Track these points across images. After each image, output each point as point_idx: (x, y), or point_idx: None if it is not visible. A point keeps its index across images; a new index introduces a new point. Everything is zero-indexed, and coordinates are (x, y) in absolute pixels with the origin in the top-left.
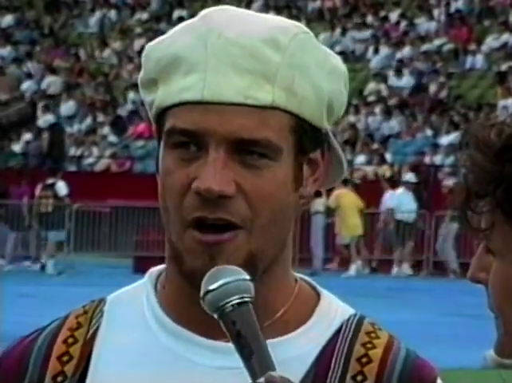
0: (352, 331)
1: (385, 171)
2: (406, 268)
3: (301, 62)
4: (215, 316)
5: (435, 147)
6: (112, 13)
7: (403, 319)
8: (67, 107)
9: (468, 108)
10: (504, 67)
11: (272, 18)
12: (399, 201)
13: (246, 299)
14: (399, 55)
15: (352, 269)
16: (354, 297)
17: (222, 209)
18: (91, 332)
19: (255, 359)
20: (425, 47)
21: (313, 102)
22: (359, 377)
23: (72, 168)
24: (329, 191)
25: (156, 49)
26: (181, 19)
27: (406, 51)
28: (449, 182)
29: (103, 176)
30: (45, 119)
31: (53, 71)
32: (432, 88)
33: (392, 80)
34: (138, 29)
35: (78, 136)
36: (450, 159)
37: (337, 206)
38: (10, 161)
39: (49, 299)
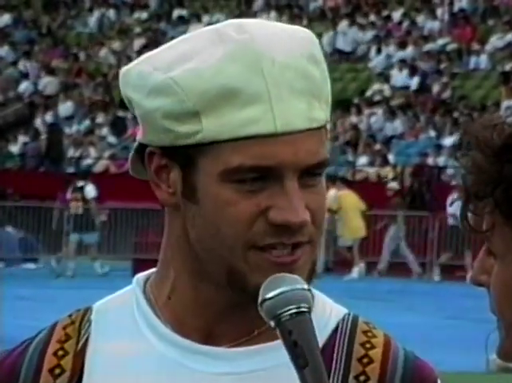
0: (348, 331)
1: (388, 172)
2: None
3: (327, 72)
4: (272, 323)
5: (439, 148)
6: (111, 13)
7: (405, 322)
8: (65, 107)
9: (472, 109)
10: (508, 67)
11: (290, 28)
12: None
13: (304, 309)
14: (401, 55)
15: (355, 272)
16: (356, 300)
17: (299, 234)
18: (81, 343)
19: (308, 371)
20: (428, 47)
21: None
22: (362, 378)
23: (71, 170)
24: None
25: (195, 80)
26: (181, 18)
27: (409, 51)
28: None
29: (101, 178)
30: (42, 120)
31: (51, 71)
32: (435, 88)
33: (395, 80)
34: (137, 29)
35: (77, 136)
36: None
37: (339, 207)
38: (8, 162)
39: (47, 302)
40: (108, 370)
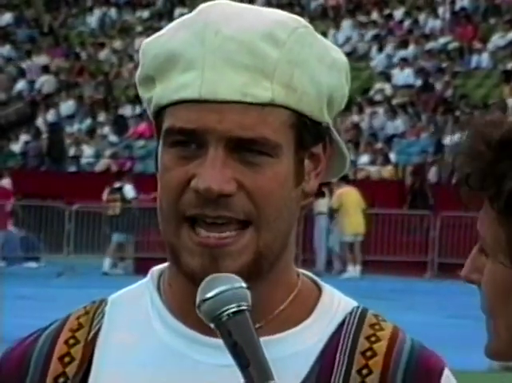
0: (355, 324)
1: (389, 171)
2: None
3: (300, 57)
4: (212, 325)
5: (440, 147)
6: (113, 12)
7: (407, 321)
8: (66, 106)
9: (473, 108)
10: (510, 66)
11: (271, 12)
12: None
13: (243, 308)
14: (403, 54)
15: (356, 270)
16: (357, 298)
17: (223, 207)
18: (92, 333)
19: (252, 369)
20: (430, 45)
21: (313, 97)
22: (364, 371)
23: (72, 169)
24: (332, 192)
25: (153, 45)
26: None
27: (410, 50)
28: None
29: (103, 176)
30: (44, 119)
31: (50, 70)
32: (437, 87)
33: (396, 79)
34: (139, 28)
35: (78, 135)
36: None
37: (340, 204)
38: (9, 161)
39: (48, 301)
40: (116, 361)
